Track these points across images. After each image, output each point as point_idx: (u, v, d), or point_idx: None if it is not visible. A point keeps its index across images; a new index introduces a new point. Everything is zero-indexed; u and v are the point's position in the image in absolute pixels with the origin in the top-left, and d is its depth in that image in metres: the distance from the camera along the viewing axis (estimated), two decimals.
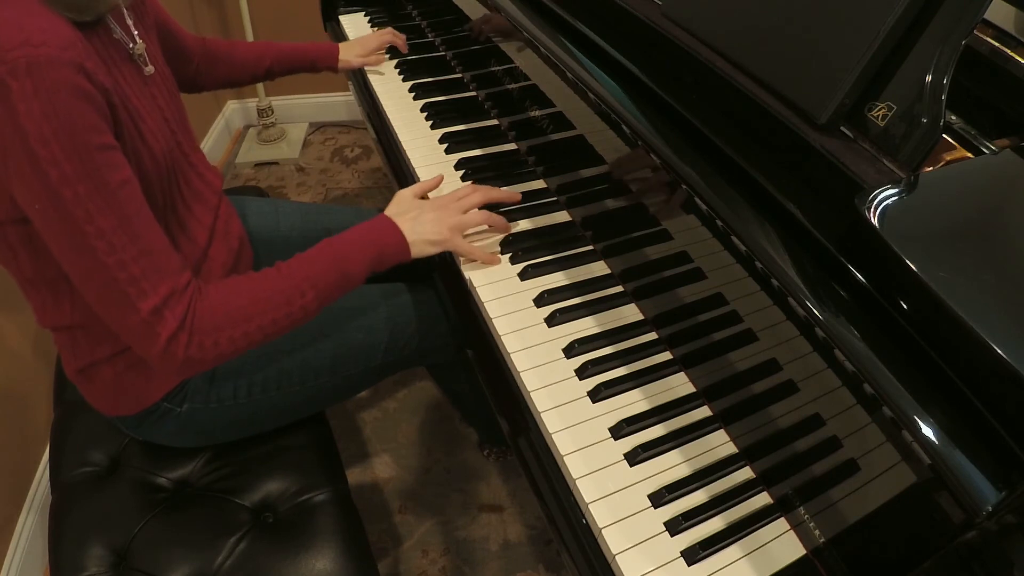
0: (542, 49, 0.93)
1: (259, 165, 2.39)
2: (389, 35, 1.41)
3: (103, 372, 0.85)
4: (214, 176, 0.96)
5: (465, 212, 0.93)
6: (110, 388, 0.86)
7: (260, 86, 2.33)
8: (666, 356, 0.83)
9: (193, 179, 0.89)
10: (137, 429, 0.91)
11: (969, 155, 0.61)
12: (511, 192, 0.99)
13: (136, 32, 0.81)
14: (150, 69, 0.82)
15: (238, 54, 1.22)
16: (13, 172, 0.64)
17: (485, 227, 0.96)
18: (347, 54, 1.36)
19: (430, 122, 1.22)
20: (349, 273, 0.83)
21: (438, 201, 0.93)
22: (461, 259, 0.94)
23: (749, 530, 0.67)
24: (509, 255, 0.95)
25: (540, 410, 0.76)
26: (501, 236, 0.97)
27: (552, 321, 0.85)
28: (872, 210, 0.54)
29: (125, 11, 0.80)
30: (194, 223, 0.87)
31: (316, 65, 1.33)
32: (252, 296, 0.76)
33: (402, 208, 0.92)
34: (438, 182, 1.02)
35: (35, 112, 0.60)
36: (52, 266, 0.75)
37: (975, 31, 0.70)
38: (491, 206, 0.97)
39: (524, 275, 0.92)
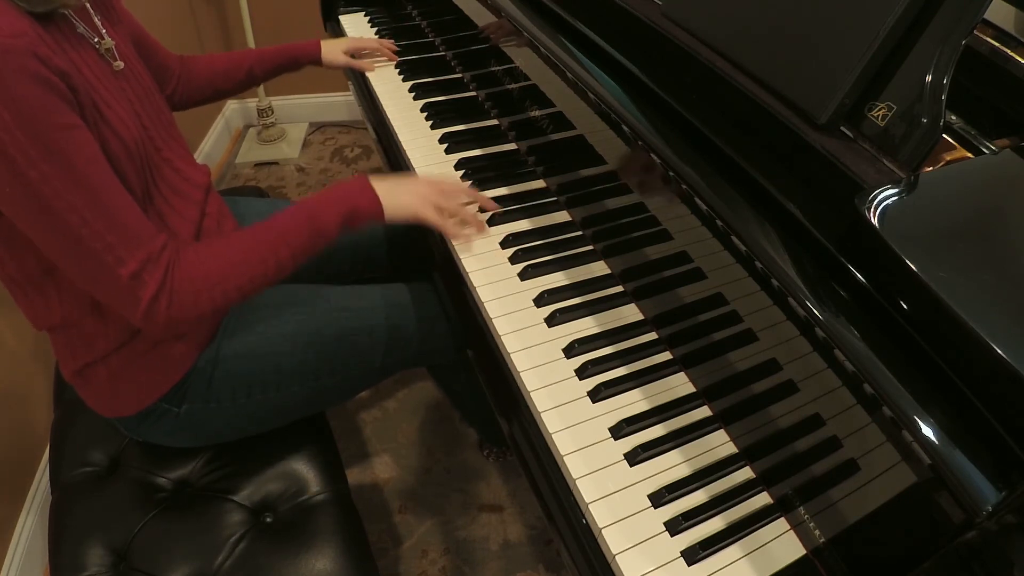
0: (542, 49, 0.93)
1: (259, 165, 2.39)
2: (375, 43, 1.40)
3: (99, 373, 0.85)
4: (197, 172, 0.96)
5: (447, 200, 0.95)
6: (107, 389, 0.86)
7: (260, 86, 2.33)
8: (666, 356, 0.83)
9: (168, 174, 0.89)
10: (136, 430, 0.91)
11: (969, 155, 0.61)
12: (494, 203, 1.01)
13: (104, 30, 0.81)
14: (119, 65, 0.82)
15: (218, 61, 1.22)
16: None
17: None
18: (332, 50, 1.35)
19: (430, 122, 1.22)
20: (322, 229, 0.86)
21: (423, 180, 0.97)
22: (461, 258, 0.94)
23: (749, 530, 0.67)
24: (509, 255, 0.95)
25: (540, 410, 0.76)
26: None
27: (552, 321, 0.85)
28: (872, 210, 0.54)
29: (91, 9, 0.81)
30: (175, 218, 0.87)
31: (298, 60, 1.32)
32: (229, 258, 0.80)
33: (386, 178, 0.94)
34: None
35: None
36: (33, 262, 0.77)
37: (975, 31, 0.70)
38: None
39: (524, 275, 0.92)
